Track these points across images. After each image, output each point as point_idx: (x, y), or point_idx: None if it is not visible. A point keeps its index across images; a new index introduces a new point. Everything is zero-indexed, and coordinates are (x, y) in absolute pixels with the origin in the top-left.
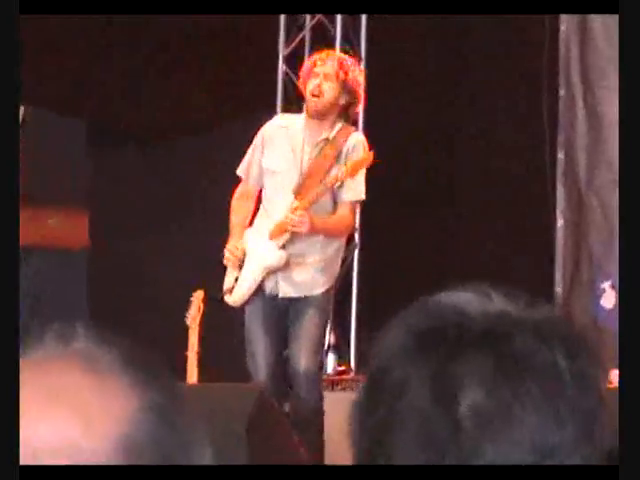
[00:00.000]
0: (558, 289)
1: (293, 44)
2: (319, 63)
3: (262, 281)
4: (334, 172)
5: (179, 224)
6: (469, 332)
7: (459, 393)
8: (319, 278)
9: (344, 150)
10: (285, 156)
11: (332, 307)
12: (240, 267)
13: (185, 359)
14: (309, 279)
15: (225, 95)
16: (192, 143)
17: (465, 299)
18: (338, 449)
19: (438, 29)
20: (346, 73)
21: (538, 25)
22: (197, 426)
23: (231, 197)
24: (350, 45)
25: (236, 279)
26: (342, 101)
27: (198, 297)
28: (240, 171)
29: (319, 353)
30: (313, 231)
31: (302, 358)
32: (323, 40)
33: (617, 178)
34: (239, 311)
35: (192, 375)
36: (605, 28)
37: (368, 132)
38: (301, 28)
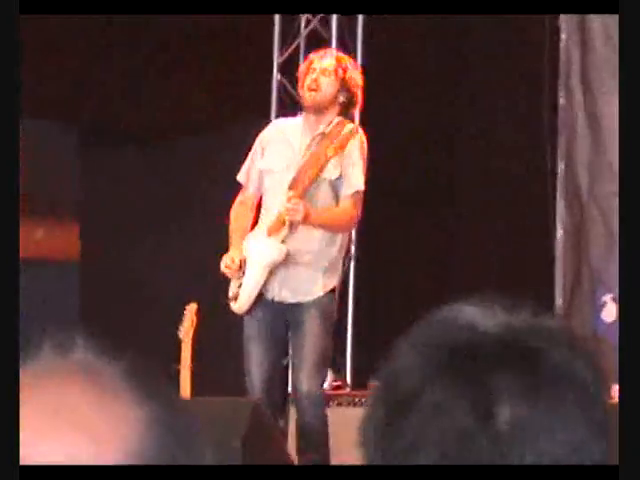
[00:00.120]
0: (559, 301)
1: (288, 52)
2: (316, 59)
3: (265, 284)
4: (324, 153)
5: (173, 231)
6: (496, 347)
7: (499, 409)
8: (320, 280)
9: (344, 142)
10: (283, 155)
11: (336, 309)
12: (242, 275)
13: (178, 373)
14: (309, 282)
15: (224, 95)
16: (191, 145)
17: (477, 313)
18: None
19: (438, 29)
20: (345, 70)
21: (538, 25)
22: (201, 438)
23: (230, 204)
24: (347, 52)
25: (239, 285)
26: (341, 98)
27: (191, 310)
28: (240, 177)
29: (322, 371)
30: (309, 220)
31: (304, 379)
32: (318, 47)
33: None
34: (233, 323)
35: (185, 390)
36: (606, 35)
37: (367, 132)
38: (296, 36)
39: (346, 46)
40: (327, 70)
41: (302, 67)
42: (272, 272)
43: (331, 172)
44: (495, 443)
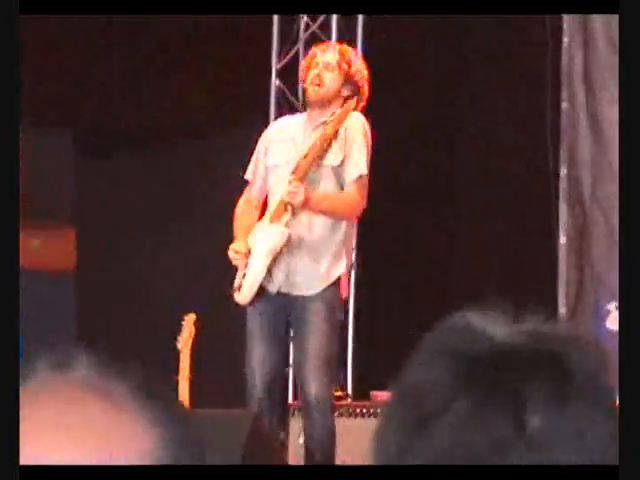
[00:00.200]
0: (562, 309)
1: (286, 57)
2: (319, 53)
3: (269, 274)
4: (323, 133)
5: (173, 236)
6: (525, 354)
7: (531, 416)
8: (324, 268)
9: (342, 129)
10: (286, 149)
11: (342, 305)
12: (247, 265)
13: (176, 384)
14: (314, 270)
15: (223, 96)
16: (189, 149)
17: (488, 320)
18: None
19: (438, 29)
20: (348, 64)
21: (539, 25)
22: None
23: (229, 207)
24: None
25: (243, 276)
26: (345, 92)
27: (190, 321)
28: (248, 175)
29: (330, 372)
30: (310, 203)
31: (312, 383)
32: None
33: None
34: (233, 332)
35: (183, 402)
36: (608, 37)
37: None
38: (295, 41)
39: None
40: (330, 64)
41: (304, 61)
42: (276, 260)
43: (333, 159)
44: (530, 450)
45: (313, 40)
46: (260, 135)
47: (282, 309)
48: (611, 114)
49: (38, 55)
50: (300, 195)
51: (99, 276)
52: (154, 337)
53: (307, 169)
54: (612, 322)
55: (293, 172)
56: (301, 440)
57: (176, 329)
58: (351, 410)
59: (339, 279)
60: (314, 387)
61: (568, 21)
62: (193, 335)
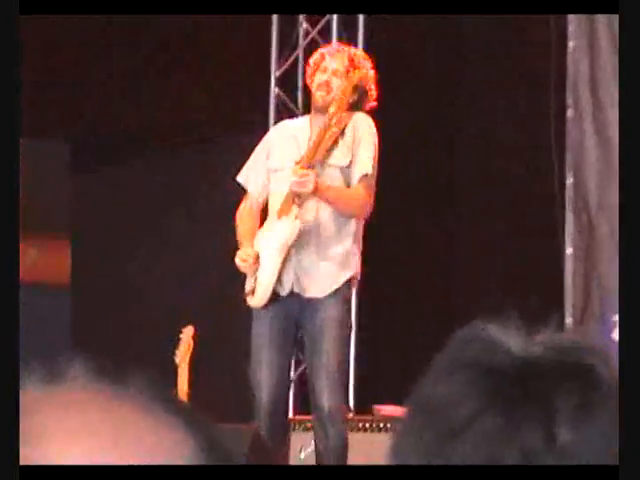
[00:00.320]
0: (568, 320)
1: (286, 64)
2: (328, 57)
3: (280, 276)
4: (327, 123)
5: (169, 244)
6: (551, 366)
7: (561, 429)
8: (335, 268)
9: (349, 129)
10: (289, 152)
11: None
12: (257, 269)
13: None
14: (324, 270)
15: (223, 99)
16: (184, 159)
17: (502, 332)
18: None
19: (438, 29)
20: (357, 69)
21: (539, 25)
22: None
23: (227, 213)
24: None
25: (255, 279)
26: (351, 99)
27: (188, 334)
28: (241, 178)
29: (343, 380)
30: (320, 191)
31: (325, 394)
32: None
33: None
34: (232, 344)
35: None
36: (614, 44)
37: None
38: (294, 47)
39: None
40: (339, 71)
41: (313, 61)
42: (287, 258)
43: (341, 159)
44: (561, 462)
45: (313, 46)
46: (259, 140)
47: (292, 312)
48: (617, 123)
49: (38, 55)
50: (310, 183)
51: (96, 287)
52: (152, 347)
53: (312, 157)
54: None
55: (297, 163)
56: (302, 455)
57: (174, 340)
58: (353, 424)
59: (350, 280)
60: (328, 397)
61: (573, 25)
62: (192, 349)
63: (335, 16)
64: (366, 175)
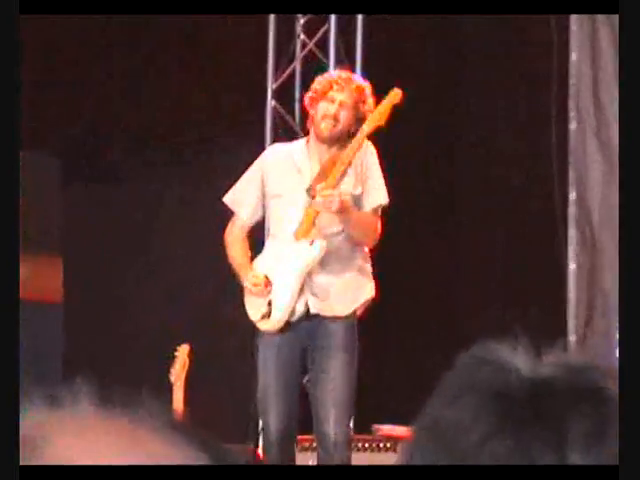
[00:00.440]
0: (571, 338)
1: (283, 76)
2: (336, 87)
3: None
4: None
5: (161, 266)
6: (564, 388)
7: (572, 453)
8: (350, 292)
9: (357, 158)
10: (291, 179)
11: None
12: (267, 292)
13: None
14: (337, 292)
15: (223, 97)
16: (179, 172)
17: (511, 353)
18: None
19: (438, 29)
20: (364, 102)
21: (540, 25)
22: None
23: (219, 233)
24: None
25: (269, 303)
26: (353, 128)
27: (183, 352)
28: (229, 200)
29: (350, 409)
30: (344, 212)
31: (331, 421)
32: (315, 73)
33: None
34: (228, 362)
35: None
36: (617, 54)
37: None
38: (291, 60)
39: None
40: (347, 104)
41: (318, 88)
42: (305, 281)
43: (352, 186)
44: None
45: (310, 58)
46: (251, 158)
47: (301, 338)
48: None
49: (38, 55)
50: (336, 202)
51: (88, 305)
52: (146, 365)
53: (337, 180)
54: None
55: (318, 182)
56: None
57: (169, 359)
58: (352, 444)
59: (364, 303)
60: (334, 425)
61: (575, 35)
62: (187, 367)
63: (333, 28)
64: (380, 205)
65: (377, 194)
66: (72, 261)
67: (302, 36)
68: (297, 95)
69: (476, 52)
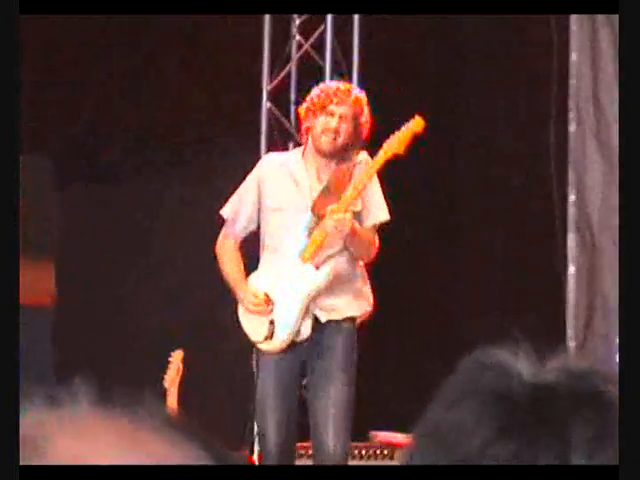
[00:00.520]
0: (571, 343)
1: (278, 78)
2: (335, 101)
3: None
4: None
5: (156, 271)
6: (567, 394)
7: (577, 456)
8: (351, 299)
9: (356, 168)
10: (289, 191)
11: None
12: (269, 311)
13: None
14: (340, 302)
15: (223, 97)
16: (175, 177)
17: (512, 358)
18: None
19: (438, 29)
20: (362, 114)
21: (540, 25)
22: None
23: (213, 238)
24: (340, 75)
25: (271, 322)
26: (350, 141)
27: (177, 357)
28: (227, 213)
29: (350, 421)
30: (354, 235)
31: (330, 432)
32: (310, 74)
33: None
34: (222, 368)
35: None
36: (617, 55)
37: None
38: (287, 61)
39: (341, 71)
40: (347, 117)
41: (314, 100)
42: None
43: (353, 203)
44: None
45: (306, 60)
46: (251, 158)
47: (300, 354)
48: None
49: (38, 55)
50: (347, 226)
51: (88, 306)
52: (141, 370)
53: (349, 203)
54: None
55: (323, 200)
56: None
57: (164, 365)
58: (351, 453)
59: (362, 315)
60: (333, 437)
61: (575, 36)
62: (181, 373)
63: (329, 29)
64: (381, 222)
65: (378, 211)
66: (71, 261)
67: (298, 37)
68: (293, 97)
69: (476, 52)
